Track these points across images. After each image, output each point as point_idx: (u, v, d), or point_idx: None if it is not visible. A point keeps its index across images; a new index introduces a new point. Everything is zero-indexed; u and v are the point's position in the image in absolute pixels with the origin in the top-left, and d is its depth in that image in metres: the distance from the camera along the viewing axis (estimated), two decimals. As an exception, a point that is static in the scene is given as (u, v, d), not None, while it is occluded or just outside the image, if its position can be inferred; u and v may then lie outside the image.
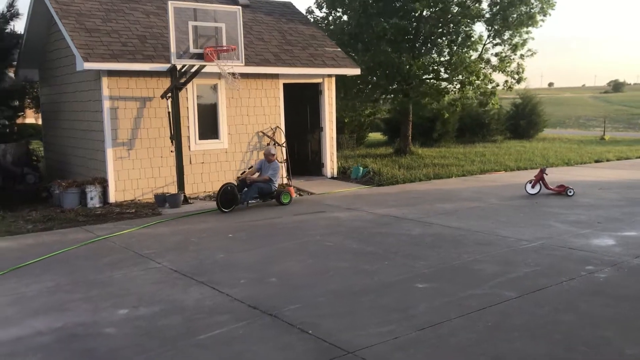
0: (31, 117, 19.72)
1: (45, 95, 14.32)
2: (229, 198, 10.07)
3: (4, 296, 5.91)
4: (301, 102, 13.98)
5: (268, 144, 12.71)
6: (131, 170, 11.17)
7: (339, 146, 16.78)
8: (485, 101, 18.33)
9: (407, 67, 16.58)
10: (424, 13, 17.41)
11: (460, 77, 17.24)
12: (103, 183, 10.91)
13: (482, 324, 4.88)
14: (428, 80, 18.04)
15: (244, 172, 10.99)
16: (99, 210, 10.36)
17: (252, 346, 4.59)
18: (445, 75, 17.73)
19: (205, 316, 5.25)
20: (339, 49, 14.22)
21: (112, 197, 10.95)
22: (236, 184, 10.37)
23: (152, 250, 7.57)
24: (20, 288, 6.17)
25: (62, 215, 10.03)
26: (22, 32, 13.56)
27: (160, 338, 4.79)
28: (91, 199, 10.71)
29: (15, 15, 13.89)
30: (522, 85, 21.24)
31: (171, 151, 11.19)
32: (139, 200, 11.19)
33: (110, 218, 9.86)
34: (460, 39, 17.39)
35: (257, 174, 10.77)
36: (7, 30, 13.99)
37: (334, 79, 13.88)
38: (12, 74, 14.89)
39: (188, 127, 11.70)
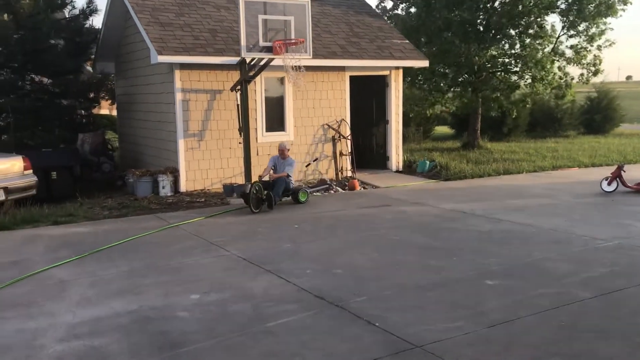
0: (105, 109, 20.54)
1: (120, 87, 14.88)
2: (259, 197, 9.53)
3: (84, 278, 6.21)
4: (367, 94, 13.92)
5: (333, 137, 12.75)
6: (201, 161, 11.47)
7: (405, 139, 16.59)
8: (562, 93, 17.65)
9: (476, 57, 16.19)
10: (495, 4, 16.95)
11: (531, 71, 16.70)
12: (174, 173, 11.26)
13: (555, 323, 4.74)
14: (498, 74, 17.57)
15: (262, 174, 10.42)
16: (171, 199, 10.71)
17: (319, 335, 4.63)
18: (516, 69, 17.22)
19: (273, 304, 5.34)
20: (407, 41, 14.05)
21: (183, 187, 11.28)
22: (260, 184, 9.70)
23: (221, 239, 7.75)
24: (98, 271, 6.46)
25: (135, 202, 10.43)
26: (100, 27, 14.13)
27: (230, 323, 4.91)
28: (163, 187, 11.07)
29: (93, 11, 14.49)
30: (599, 79, 20.33)
31: (239, 143, 11.40)
32: (208, 189, 11.49)
33: (181, 206, 10.16)
34: (532, 31, 16.82)
35: (271, 171, 10.27)
36: (86, 26, 14.63)
37: (401, 71, 13.74)
38: (89, 68, 15.58)
39: (255, 119, 11.89)
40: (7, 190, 9.45)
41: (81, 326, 4.91)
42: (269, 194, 9.51)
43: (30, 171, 10.03)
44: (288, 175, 10.04)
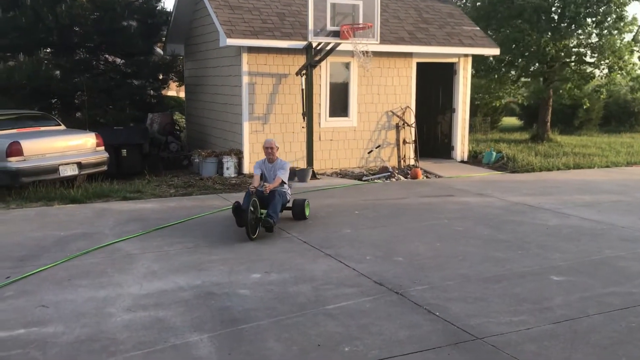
0: (173, 90, 21.08)
1: (189, 69, 15.22)
2: (257, 218, 7.04)
3: (150, 252, 6.43)
4: (433, 82, 13.68)
5: (397, 124, 12.62)
6: (264, 144, 11.61)
7: (471, 129, 16.23)
8: (638, 86, 16.79)
9: (548, 48, 15.60)
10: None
11: (607, 61, 15.93)
12: (239, 154, 11.45)
13: (624, 323, 4.54)
14: (571, 64, 16.88)
15: (252, 185, 7.44)
16: (234, 180, 10.91)
17: (377, 321, 4.62)
18: (591, 60, 16.47)
19: (333, 287, 5.36)
20: (478, 28, 13.69)
21: (246, 168, 11.46)
22: (255, 199, 7.04)
23: (283, 221, 7.82)
24: (164, 246, 6.67)
25: (200, 182, 10.69)
26: (171, 9, 14.46)
27: (290, 304, 4.97)
28: (227, 169, 11.29)
29: (166, -7, 14.84)
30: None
31: (302, 127, 11.46)
32: (270, 172, 11.64)
33: (244, 188, 10.32)
34: (610, 20, 16.03)
35: (265, 184, 7.43)
36: (158, 8, 15.01)
37: (470, 58, 13.41)
38: (160, 50, 16.00)
39: (319, 104, 11.91)
40: (80, 165, 9.87)
41: (147, 298, 5.09)
42: (266, 221, 6.95)
43: (102, 148, 10.44)
44: (283, 183, 7.65)
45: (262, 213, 7.09)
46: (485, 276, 5.67)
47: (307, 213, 7.97)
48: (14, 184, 9.26)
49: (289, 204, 7.89)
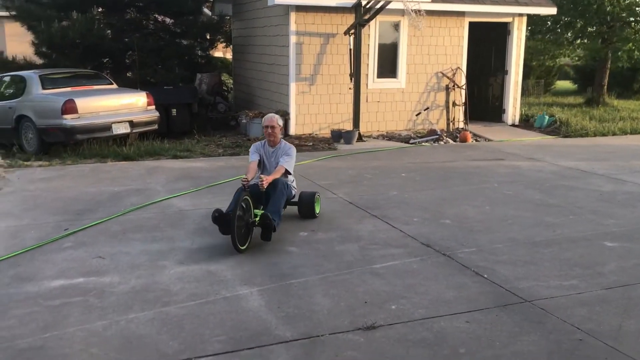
0: (220, 51, 21.13)
1: (236, 29, 15.21)
2: (248, 224, 5.36)
3: (201, 209, 6.57)
4: (485, 42, 13.28)
5: (447, 86, 12.36)
6: (311, 105, 11.58)
7: (523, 92, 15.76)
8: None
9: (609, 7, 14.88)
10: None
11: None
12: (285, 115, 11.46)
13: (682, 292, 4.42)
14: (633, 24, 16.08)
15: (246, 177, 5.65)
16: (281, 141, 10.97)
17: (424, 281, 4.63)
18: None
19: (379, 247, 5.38)
20: (533, -14, 13.15)
21: (292, 130, 11.49)
22: (248, 196, 5.44)
23: (329, 182, 7.86)
24: (214, 204, 6.78)
25: (248, 142, 10.78)
26: (220, -31, 14.40)
27: (336, 262, 5.02)
28: (274, 129, 11.34)
29: (215, -48, 14.76)
30: None
31: (349, 88, 11.37)
32: (316, 134, 11.62)
33: (291, 148, 10.38)
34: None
35: (262, 176, 5.75)
36: (207, -33, 14.97)
37: (525, 18, 12.94)
38: (207, 10, 16.00)
39: (367, 64, 11.75)
40: (132, 123, 10.10)
41: (198, 252, 5.23)
42: (265, 217, 5.27)
43: (153, 107, 10.62)
44: (287, 173, 6.00)
45: (257, 214, 5.39)
46: (535, 240, 5.58)
47: (317, 210, 6.27)
48: (68, 140, 9.56)
49: (294, 199, 6.21)
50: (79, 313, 4.01)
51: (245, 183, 5.45)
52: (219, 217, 5.21)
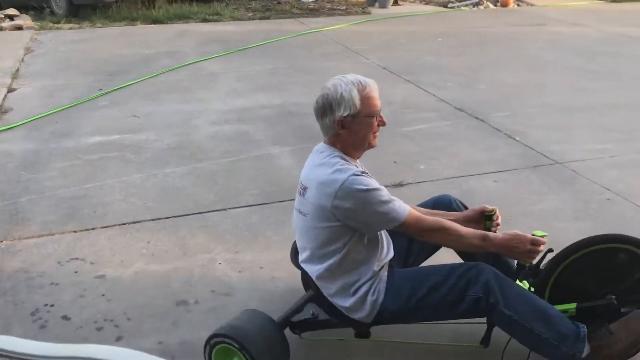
0: None
1: None
2: None
3: (231, 72, 6.53)
4: None
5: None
6: (345, -34, 11.02)
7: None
8: None
9: None
10: None
11: None
12: (317, -23, 10.98)
13: None
14: None
15: None
16: (312, 5, 10.59)
17: (455, 142, 4.62)
18: None
19: (411, 111, 5.33)
20: None
21: (325, -7, 11.04)
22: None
23: (362, 47, 7.66)
24: (245, 67, 6.74)
25: (278, 6, 10.46)
26: None
27: (368, 124, 5.01)
28: (305, -8, 10.93)
29: None
30: None
31: (386, -53, 10.71)
32: (350, -3, 11.17)
33: (322, 13, 10.05)
34: None
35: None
36: None
37: None
38: None
39: None
40: (160, -15, 9.81)
41: (230, 113, 5.27)
42: None
43: (181, -32, 10.24)
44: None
45: None
46: (572, 105, 5.45)
47: None
48: (97, 3, 9.39)
49: None
50: (117, 167, 4.16)
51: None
52: None
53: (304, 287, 2.44)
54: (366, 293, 2.11)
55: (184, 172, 4.08)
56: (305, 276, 2.32)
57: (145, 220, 3.43)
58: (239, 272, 2.94)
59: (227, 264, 3.01)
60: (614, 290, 2.22)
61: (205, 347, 2.15)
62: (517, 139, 4.67)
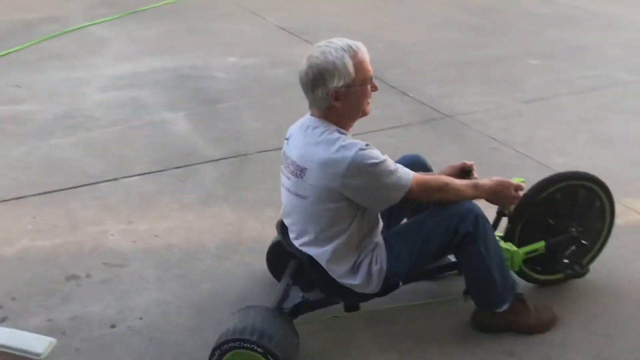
0: None
1: None
2: None
3: (122, 36, 6.24)
4: None
5: None
6: None
7: None
8: None
9: None
10: None
11: None
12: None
13: (590, 102, 4.65)
14: None
15: None
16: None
17: (352, 102, 4.67)
18: None
19: (309, 71, 5.33)
20: None
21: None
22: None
23: (259, 6, 7.51)
24: (137, 31, 6.45)
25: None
26: None
27: (266, 86, 4.98)
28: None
29: None
30: None
31: None
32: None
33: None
34: None
35: None
36: None
37: None
38: None
39: None
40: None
41: (121, 79, 5.05)
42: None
43: None
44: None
45: None
46: (464, 60, 5.65)
47: None
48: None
49: None
50: (-2, 141, 3.91)
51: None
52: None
53: (290, 272, 2.26)
54: (370, 265, 2.06)
55: (72, 143, 3.89)
56: (299, 259, 2.16)
57: (30, 195, 3.26)
58: (133, 242, 2.87)
59: (120, 235, 2.92)
60: (575, 225, 2.43)
61: (213, 353, 1.95)
62: (411, 95, 4.80)
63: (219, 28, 6.57)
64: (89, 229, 2.96)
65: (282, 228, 2.22)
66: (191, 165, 3.64)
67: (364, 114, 2.07)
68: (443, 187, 2.07)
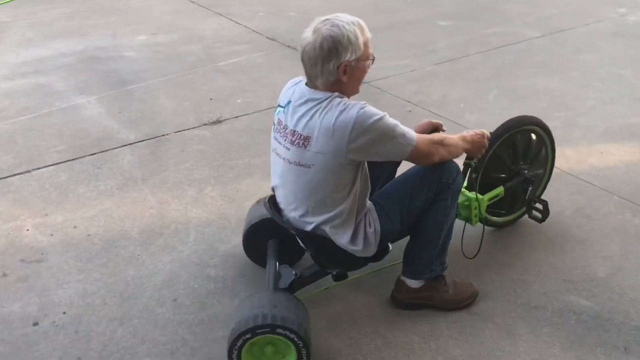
0: None
1: None
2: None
3: (22, 20, 5.91)
4: None
5: None
6: None
7: None
8: None
9: None
10: None
11: None
12: None
13: (499, 60, 4.83)
14: None
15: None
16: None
17: (270, 73, 4.66)
18: None
19: (224, 45, 5.25)
20: None
21: None
22: None
23: (168, -19, 7.28)
24: (38, 13, 6.13)
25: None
26: None
27: (180, 63, 4.86)
28: None
29: None
30: None
31: None
32: None
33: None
34: None
35: None
36: None
37: None
38: None
39: None
40: None
41: (25, 65, 4.80)
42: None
43: None
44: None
45: None
46: (377, 26, 5.69)
47: None
48: None
49: None
50: None
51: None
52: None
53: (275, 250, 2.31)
54: (364, 228, 2.05)
55: (-24, 137, 3.68)
56: (295, 233, 2.11)
57: None
58: (51, 235, 2.78)
59: (36, 229, 2.82)
60: (525, 166, 2.64)
61: (235, 341, 1.89)
62: (327, 63, 4.81)
63: (127, 5, 6.33)
64: (2, 226, 2.84)
65: (275, 205, 2.16)
66: (106, 150, 3.53)
67: (357, 91, 2.04)
68: (443, 141, 2.07)
